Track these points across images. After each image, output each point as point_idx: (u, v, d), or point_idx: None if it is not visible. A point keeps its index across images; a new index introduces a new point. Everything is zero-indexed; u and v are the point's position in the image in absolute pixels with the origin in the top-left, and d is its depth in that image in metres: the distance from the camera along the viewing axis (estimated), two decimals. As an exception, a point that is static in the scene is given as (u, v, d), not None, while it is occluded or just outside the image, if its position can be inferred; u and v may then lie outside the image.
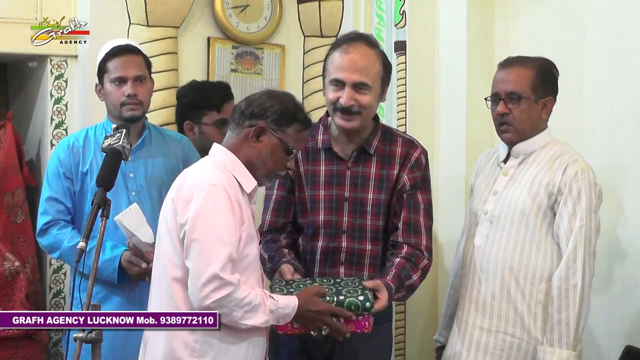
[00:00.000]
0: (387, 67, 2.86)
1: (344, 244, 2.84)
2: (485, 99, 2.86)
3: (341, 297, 2.57)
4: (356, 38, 2.84)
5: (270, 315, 2.43)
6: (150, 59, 3.51)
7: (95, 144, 3.16)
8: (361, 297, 2.58)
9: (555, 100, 2.82)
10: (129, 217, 2.88)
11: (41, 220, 3.16)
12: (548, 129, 2.84)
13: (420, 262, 2.82)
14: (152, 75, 3.38)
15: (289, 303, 2.47)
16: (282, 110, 2.54)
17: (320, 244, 2.85)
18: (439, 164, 3.72)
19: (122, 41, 3.25)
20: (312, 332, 2.56)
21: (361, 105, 2.76)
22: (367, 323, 2.59)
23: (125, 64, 3.12)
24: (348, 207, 2.85)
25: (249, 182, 2.52)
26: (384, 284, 2.67)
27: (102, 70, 3.18)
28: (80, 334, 2.20)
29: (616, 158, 3.13)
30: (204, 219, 2.39)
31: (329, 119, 2.90)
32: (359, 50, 2.78)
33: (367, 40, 2.84)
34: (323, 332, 2.55)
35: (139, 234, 2.90)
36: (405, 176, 2.87)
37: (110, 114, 3.21)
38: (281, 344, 2.88)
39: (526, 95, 2.75)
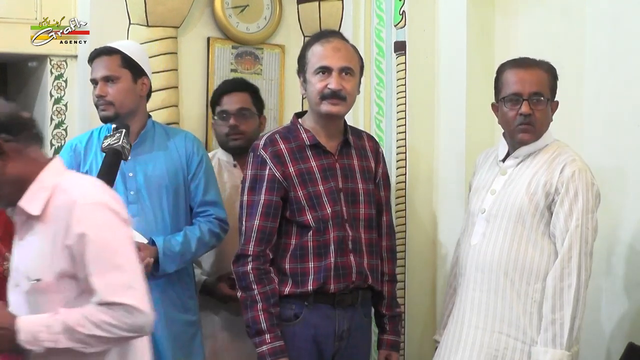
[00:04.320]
0: (362, 60, 3.04)
1: (349, 232, 2.93)
2: (503, 98, 2.82)
3: None
4: (332, 32, 3.08)
5: None
6: (150, 59, 3.51)
7: (98, 144, 3.17)
8: None
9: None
10: None
11: None
12: (549, 131, 2.86)
13: None
14: (152, 74, 3.38)
15: None
16: None
17: (332, 235, 2.90)
18: (439, 164, 3.72)
19: (112, 43, 3.28)
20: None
21: (346, 92, 2.89)
22: None
23: (96, 66, 3.19)
24: (343, 197, 2.94)
25: None
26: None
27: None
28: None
29: (616, 158, 3.12)
30: None
31: (300, 119, 3.00)
32: (340, 41, 2.96)
33: (341, 35, 3.06)
34: None
35: None
36: (380, 170, 3.09)
37: None
38: (291, 341, 2.89)
39: (546, 96, 2.78)
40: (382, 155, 3.15)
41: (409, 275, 3.75)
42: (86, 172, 3.14)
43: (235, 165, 3.59)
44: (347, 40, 3.01)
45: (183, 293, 3.21)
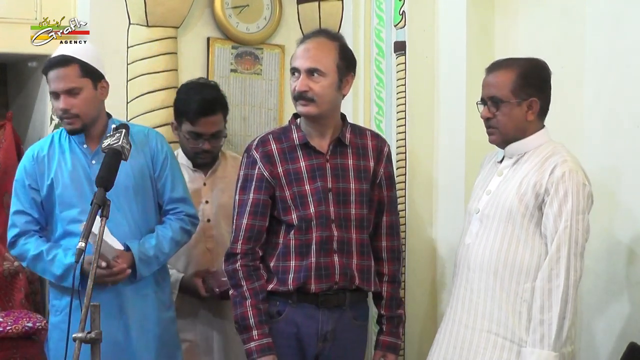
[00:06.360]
0: (347, 58, 2.95)
1: (335, 232, 2.92)
2: (477, 103, 2.87)
3: None
4: (317, 32, 3.02)
5: None
6: (150, 59, 3.51)
7: (60, 150, 3.13)
8: None
9: (542, 99, 2.78)
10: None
11: (10, 234, 3.13)
12: (544, 130, 2.83)
13: None
14: (152, 74, 3.37)
15: None
16: None
17: (315, 235, 2.90)
18: (438, 164, 3.72)
19: (64, 49, 3.15)
20: None
21: (314, 93, 2.85)
22: None
23: (55, 78, 3.06)
24: (332, 197, 2.93)
25: None
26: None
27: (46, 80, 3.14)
28: (80, 334, 2.21)
29: (615, 158, 3.12)
30: None
31: (298, 120, 3.00)
32: (316, 41, 2.91)
33: (327, 33, 2.99)
34: None
35: (107, 239, 2.84)
36: (382, 170, 3.04)
37: None
38: (274, 337, 2.90)
39: (506, 99, 2.75)
40: (387, 154, 3.08)
41: (409, 275, 3.75)
42: (51, 181, 3.09)
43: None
44: (333, 38, 2.95)
45: (161, 291, 3.20)
